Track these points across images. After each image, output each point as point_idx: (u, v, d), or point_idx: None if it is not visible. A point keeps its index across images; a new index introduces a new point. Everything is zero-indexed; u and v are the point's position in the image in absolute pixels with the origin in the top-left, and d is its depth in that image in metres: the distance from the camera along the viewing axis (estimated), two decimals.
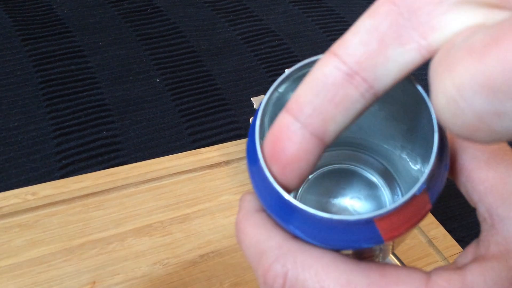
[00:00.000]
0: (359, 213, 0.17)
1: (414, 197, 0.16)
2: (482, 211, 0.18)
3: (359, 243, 0.17)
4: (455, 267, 0.17)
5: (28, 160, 0.51)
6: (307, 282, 0.17)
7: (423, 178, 0.16)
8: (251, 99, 0.51)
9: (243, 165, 0.50)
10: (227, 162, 0.50)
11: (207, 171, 0.49)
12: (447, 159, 0.17)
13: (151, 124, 0.57)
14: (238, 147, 0.52)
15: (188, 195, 0.46)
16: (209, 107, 0.60)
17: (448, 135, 0.18)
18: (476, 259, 0.17)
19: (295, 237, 0.17)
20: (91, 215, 0.44)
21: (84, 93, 0.60)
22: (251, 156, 0.17)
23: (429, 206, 0.17)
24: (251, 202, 0.19)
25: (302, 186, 0.23)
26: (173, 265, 0.41)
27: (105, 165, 0.51)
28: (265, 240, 0.18)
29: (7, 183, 0.48)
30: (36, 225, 0.42)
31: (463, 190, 0.19)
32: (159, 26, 0.73)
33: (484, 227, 0.18)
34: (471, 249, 0.18)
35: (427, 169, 0.16)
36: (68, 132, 0.55)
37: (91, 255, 0.41)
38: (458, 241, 0.46)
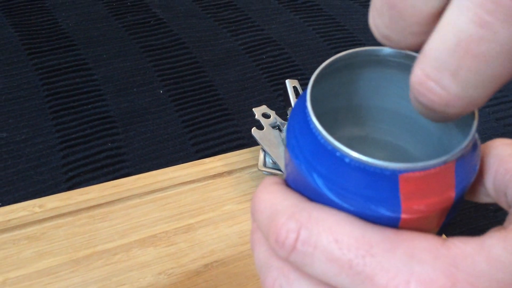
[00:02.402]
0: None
1: (442, 166, 0.15)
2: (510, 199, 0.18)
3: (376, 204, 0.16)
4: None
5: (35, 172, 0.52)
6: (321, 236, 0.17)
7: (452, 152, 0.16)
8: (253, 109, 0.52)
9: (246, 174, 0.51)
10: (230, 172, 0.51)
11: (210, 181, 0.50)
12: (477, 160, 0.17)
13: (155, 135, 0.58)
14: (240, 157, 0.52)
15: (192, 205, 0.47)
16: (211, 117, 0.61)
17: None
18: (499, 230, 0.17)
19: (311, 200, 0.18)
20: (97, 227, 0.44)
21: (89, 105, 0.61)
22: (296, 105, 0.18)
23: (452, 193, 0.16)
24: (270, 178, 0.20)
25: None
26: (178, 275, 0.42)
27: (110, 176, 0.52)
28: (280, 202, 0.18)
29: (15, 195, 0.50)
30: (44, 237, 0.43)
31: (490, 188, 0.19)
32: (162, 38, 0.74)
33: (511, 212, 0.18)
34: (494, 230, 0.18)
35: (459, 147, 0.16)
36: (74, 144, 0.56)
37: (97, 266, 0.41)
38: None
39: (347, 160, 0.16)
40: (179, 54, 0.71)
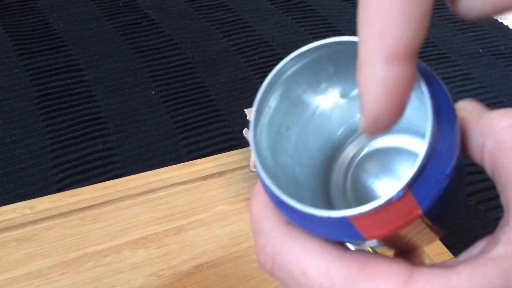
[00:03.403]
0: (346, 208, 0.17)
1: (390, 202, 0.15)
2: (502, 203, 0.17)
3: (341, 238, 0.17)
4: (444, 265, 0.16)
5: (26, 174, 0.52)
6: (291, 266, 0.17)
7: (401, 185, 0.15)
8: (244, 110, 0.52)
9: (237, 175, 0.51)
10: (221, 173, 0.51)
11: (201, 182, 0.50)
12: (448, 164, 0.16)
13: (147, 136, 0.58)
14: (232, 158, 0.52)
15: (183, 206, 0.47)
16: (203, 118, 0.61)
17: (464, 123, 0.17)
18: (473, 259, 0.16)
19: (289, 222, 0.18)
20: (88, 228, 0.44)
21: (81, 107, 0.61)
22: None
23: (418, 211, 0.16)
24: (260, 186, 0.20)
25: (354, 160, 0.23)
26: (169, 276, 0.41)
27: (102, 177, 0.52)
28: (262, 221, 0.19)
29: (4, 197, 0.49)
30: (34, 239, 0.43)
31: (478, 160, 0.18)
32: (154, 39, 0.74)
33: (501, 221, 0.17)
34: (481, 244, 0.17)
35: (408, 176, 0.15)
36: (64, 145, 0.56)
37: (88, 268, 0.41)
38: (449, 247, 0.46)
39: (298, 210, 0.16)
40: (171, 55, 0.71)
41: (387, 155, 0.22)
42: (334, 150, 0.22)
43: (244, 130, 0.49)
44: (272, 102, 0.19)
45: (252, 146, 0.18)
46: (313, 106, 0.21)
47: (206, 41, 0.75)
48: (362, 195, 0.22)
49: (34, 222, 0.44)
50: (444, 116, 0.16)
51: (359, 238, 0.17)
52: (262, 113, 0.19)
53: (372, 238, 0.17)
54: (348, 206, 0.22)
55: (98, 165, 0.54)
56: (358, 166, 0.23)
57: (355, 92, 0.20)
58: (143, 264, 0.42)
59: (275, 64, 0.18)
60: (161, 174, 0.50)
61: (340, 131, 0.22)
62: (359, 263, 0.16)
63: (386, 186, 0.22)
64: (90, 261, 0.42)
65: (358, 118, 0.21)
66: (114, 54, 0.70)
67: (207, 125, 0.60)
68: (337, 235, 0.17)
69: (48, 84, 0.64)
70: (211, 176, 0.50)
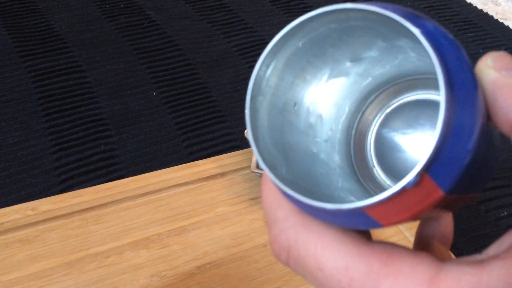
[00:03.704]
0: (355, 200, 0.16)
1: (404, 189, 0.14)
2: None
3: (358, 227, 0.16)
4: (473, 261, 0.15)
5: (28, 175, 0.52)
6: (308, 260, 0.16)
7: (415, 170, 0.14)
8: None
9: (239, 176, 0.51)
10: (222, 174, 0.51)
11: (203, 183, 0.50)
12: (469, 138, 0.14)
13: (148, 137, 0.58)
14: (233, 158, 0.53)
15: (185, 207, 0.47)
16: (205, 119, 0.61)
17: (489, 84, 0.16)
18: (505, 254, 0.15)
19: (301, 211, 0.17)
20: (90, 229, 0.45)
21: (82, 108, 0.61)
22: None
23: (439, 193, 0.15)
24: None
25: (379, 117, 0.21)
26: (170, 277, 0.42)
27: (103, 179, 0.52)
28: (275, 209, 0.17)
29: (7, 198, 0.50)
30: (36, 240, 0.43)
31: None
32: (155, 40, 0.74)
33: None
34: (510, 236, 0.16)
35: (423, 159, 0.14)
36: (67, 147, 0.56)
37: (90, 269, 0.42)
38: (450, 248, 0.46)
39: (308, 203, 0.15)
40: (172, 56, 0.71)
41: (412, 110, 0.20)
42: (352, 116, 0.21)
43: (245, 131, 0.50)
44: (272, 81, 0.18)
45: (250, 136, 0.17)
46: (322, 75, 0.19)
47: (207, 42, 0.75)
48: (390, 159, 0.20)
49: (37, 223, 0.44)
50: (460, 85, 0.15)
51: (376, 226, 0.15)
52: (260, 97, 0.17)
53: (391, 224, 0.15)
54: (373, 176, 0.21)
55: (100, 166, 0.54)
56: (381, 127, 0.21)
57: (365, 54, 0.19)
58: (145, 265, 0.42)
59: None
60: (162, 175, 0.50)
61: (355, 96, 0.20)
62: (380, 258, 0.15)
63: (417, 142, 0.20)
64: (93, 262, 0.42)
65: (372, 80, 0.20)
66: (115, 55, 0.70)
67: (209, 126, 0.60)
68: (352, 225, 0.16)
69: (50, 86, 0.64)
70: (213, 177, 0.51)
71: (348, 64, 0.19)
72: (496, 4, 0.93)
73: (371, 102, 0.21)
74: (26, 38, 0.72)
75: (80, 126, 0.58)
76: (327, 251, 0.16)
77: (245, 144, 0.57)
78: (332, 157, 0.20)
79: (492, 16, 0.88)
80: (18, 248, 0.42)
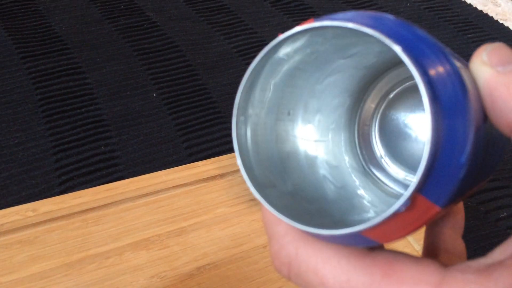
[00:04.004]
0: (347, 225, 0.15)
1: (397, 213, 0.14)
2: None
3: (355, 245, 0.16)
4: (478, 268, 0.14)
5: (28, 176, 0.52)
6: (309, 275, 0.16)
7: (406, 194, 0.13)
8: None
9: (239, 177, 0.51)
10: (222, 175, 0.51)
11: (203, 184, 0.50)
12: (462, 151, 0.14)
13: (149, 139, 0.58)
14: (233, 160, 0.53)
15: (185, 208, 0.48)
16: (205, 120, 0.61)
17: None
18: (511, 261, 0.14)
19: None
20: (90, 230, 0.45)
21: (83, 109, 0.61)
22: None
23: (435, 209, 0.14)
24: None
25: (381, 105, 0.20)
26: (170, 278, 0.42)
27: (104, 180, 0.52)
28: (275, 224, 0.17)
29: (7, 199, 0.50)
30: (37, 241, 0.43)
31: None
32: (155, 41, 0.75)
33: None
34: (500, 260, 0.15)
35: (414, 183, 0.13)
36: (67, 148, 0.56)
37: (90, 270, 0.42)
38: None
39: (302, 229, 0.15)
40: (172, 57, 0.72)
41: (415, 94, 0.19)
42: (353, 108, 0.20)
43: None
44: (260, 96, 0.17)
45: (240, 163, 0.16)
46: (316, 77, 0.19)
47: (207, 43, 0.75)
48: (397, 147, 0.20)
49: (37, 224, 0.45)
50: (447, 98, 0.14)
51: (375, 244, 0.15)
52: (250, 113, 0.17)
53: (390, 241, 0.15)
54: (382, 166, 0.20)
55: (100, 168, 0.54)
56: (385, 115, 0.20)
57: (353, 50, 0.18)
58: (145, 266, 0.42)
59: None
60: (162, 176, 0.50)
61: (354, 87, 0.20)
62: (382, 269, 0.15)
63: (422, 126, 0.19)
64: (93, 263, 0.42)
65: (368, 70, 0.19)
66: (115, 56, 0.71)
67: (209, 127, 0.60)
68: (350, 244, 0.16)
69: (50, 87, 0.64)
70: (212, 178, 0.51)
71: (341, 61, 0.19)
72: (496, 5, 0.93)
73: (372, 90, 0.20)
74: (26, 39, 0.72)
75: (80, 127, 0.59)
76: (328, 265, 0.16)
77: None
78: (336, 154, 0.20)
79: (492, 17, 0.88)
80: (18, 249, 0.43)
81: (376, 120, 0.20)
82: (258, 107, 0.17)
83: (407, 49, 0.14)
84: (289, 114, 0.18)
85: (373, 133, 0.21)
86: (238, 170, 0.52)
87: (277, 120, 0.18)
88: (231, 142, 0.59)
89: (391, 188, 0.20)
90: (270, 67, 0.17)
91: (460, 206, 0.21)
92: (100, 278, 0.41)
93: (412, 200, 0.14)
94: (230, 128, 0.60)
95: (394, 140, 0.20)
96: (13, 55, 0.69)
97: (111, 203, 0.47)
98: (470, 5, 0.92)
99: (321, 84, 0.19)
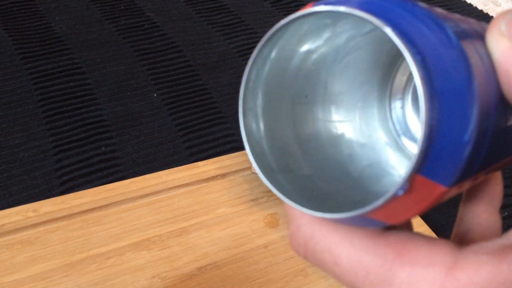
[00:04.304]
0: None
1: (395, 196, 0.13)
2: None
3: (365, 226, 0.15)
4: (494, 248, 0.14)
5: (29, 177, 0.52)
6: (324, 255, 0.16)
7: (402, 179, 0.13)
8: None
9: (239, 177, 0.51)
10: (223, 175, 0.51)
11: (203, 184, 0.50)
12: (465, 128, 0.13)
13: (149, 139, 0.58)
14: (234, 160, 0.53)
15: (185, 208, 0.47)
16: (205, 121, 0.61)
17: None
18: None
19: None
20: (91, 231, 0.45)
21: (83, 110, 0.61)
22: None
23: (441, 189, 0.14)
24: None
25: (408, 91, 0.20)
26: (171, 278, 0.42)
27: (104, 180, 0.52)
28: (292, 207, 0.17)
29: (8, 200, 0.50)
30: (37, 242, 0.43)
31: None
32: (155, 42, 0.75)
33: None
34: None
35: (407, 170, 0.13)
36: (67, 148, 0.56)
37: (91, 270, 0.42)
38: None
39: (309, 214, 0.15)
40: (172, 57, 0.72)
41: None
42: (383, 82, 0.20)
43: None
44: (271, 83, 0.17)
45: (248, 149, 0.16)
46: (333, 56, 0.18)
47: (208, 44, 0.75)
48: None
49: (38, 224, 0.44)
50: (442, 71, 0.13)
51: (384, 225, 0.15)
52: (259, 105, 0.16)
53: (400, 222, 0.15)
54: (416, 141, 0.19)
55: (101, 168, 0.54)
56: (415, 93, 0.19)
57: (368, 27, 0.17)
58: (146, 266, 0.42)
59: None
60: (163, 176, 0.50)
61: (379, 64, 0.19)
62: (394, 249, 0.15)
63: None
64: (93, 264, 0.42)
65: (391, 43, 0.18)
66: (116, 57, 0.71)
67: (209, 128, 0.60)
68: (361, 225, 0.15)
69: (50, 88, 0.64)
70: (213, 178, 0.51)
71: (358, 38, 0.18)
72: (497, 5, 0.93)
73: (402, 62, 0.19)
74: (26, 40, 0.72)
75: (80, 128, 0.59)
76: (341, 246, 0.16)
77: None
78: (364, 132, 0.19)
79: (492, 17, 0.88)
80: (19, 250, 0.42)
81: (409, 93, 0.20)
82: (269, 93, 0.17)
83: (399, 29, 0.13)
84: (306, 97, 0.18)
85: (406, 106, 0.20)
86: (238, 170, 0.52)
87: (294, 104, 0.18)
88: (231, 142, 0.59)
89: None
90: (278, 51, 0.16)
91: (497, 177, 0.20)
92: (100, 279, 0.41)
93: (411, 182, 0.13)
94: (230, 128, 0.60)
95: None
96: (13, 55, 0.69)
97: (111, 204, 0.47)
98: (470, 5, 0.92)
99: (340, 64, 0.18)
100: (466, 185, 0.15)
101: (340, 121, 0.19)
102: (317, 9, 0.14)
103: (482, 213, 0.19)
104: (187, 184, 0.50)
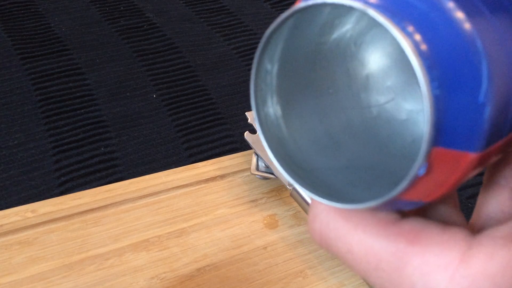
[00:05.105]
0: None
1: (417, 177, 0.13)
2: None
3: (401, 208, 0.15)
4: (510, 231, 0.14)
5: (28, 177, 0.52)
6: (338, 243, 0.16)
7: (418, 160, 0.12)
8: (246, 113, 0.52)
9: (239, 178, 0.51)
10: (222, 176, 0.51)
11: (203, 185, 0.50)
12: (477, 88, 0.12)
13: (148, 140, 0.58)
14: (233, 161, 0.53)
15: (185, 209, 0.47)
16: (204, 122, 0.61)
17: None
18: None
19: None
20: (90, 231, 0.44)
21: (82, 110, 0.61)
22: None
23: (470, 156, 0.13)
24: None
25: None
26: (170, 279, 0.42)
27: (103, 181, 0.52)
28: None
29: (7, 200, 0.49)
30: (36, 242, 0.43)
31: None
32: (155, 42, 0.74)
33: None
34: None
35: (421, 150, 0.12)
36: (66, 149, 0.56)
37: (89, 271, 0.41)
38: None
39: (337, 206, 0.15)
40: (172, 58, 0.72)
41: None
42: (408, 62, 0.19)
43: (245, 133, 0.50)
44: (289, 77, 0.16)
45: (265, 144, 0.15)
46: (344, 43, 0.17)
47: (207, 45, 0.75)
48: None
49: (36, 225, 0.44)
50: (435, 34, 0.12)
51: (421, 204, 0.14)
52: (275, 102, 0.16)
53: (436, 199, 0.14)
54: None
55: (100, 169, 0.54)
56: None
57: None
58: (145, 267, 0.42)
59: None
60: (162, 177, 0.50)
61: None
62: (407, 237, 0.15)
63: None
64: (92, 264, 0.42)
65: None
66: (115, 57, 0.71)
67: (208, 129, 0.60)
68: (395, 208, 0.15)
69: (50, 88, 0.64)
70: (212, 179, 0.51)
71: (368, 20, 0.17)
72: None
73: None
74: (26, 40, 0.72)
75: (80, 128, 0.58)
76: (354, 233, 0.16)
77: (245, 146, 0.57)
78: (401, 108, 0.18)
79: None
80: (18, 250, 0.42)
81: None
82: (288, 88, 0.16)
83: (388, 11, 0.12)
84: (329, 89, 0.17)
85: None
86: (238, 171, 0.52)
87: (318, 98, 0.17)
88: (231, 143, 0.58)
89: None
90: (292, 36, 0.16)
91: None
92: (99, 279, 0.41)
93: (432, 157, 0.12)
94: (229, 129, 0.60)
95: None
96: (13, 56, 0.69)
97: (110, 204, 0.47)
98: None
99: (358, 47, 0.18)
100: (504, 147, 0.14)
101: (374, 105, 0.18)
102: (309, 3, 0.14)
103: (506, 200, 0.18)
104: (186, 185, 0.50)
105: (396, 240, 0.15)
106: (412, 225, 0.15)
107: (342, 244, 0.16)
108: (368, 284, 0.42)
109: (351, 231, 0.16)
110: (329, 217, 0.17)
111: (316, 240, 0.17)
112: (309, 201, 0.45)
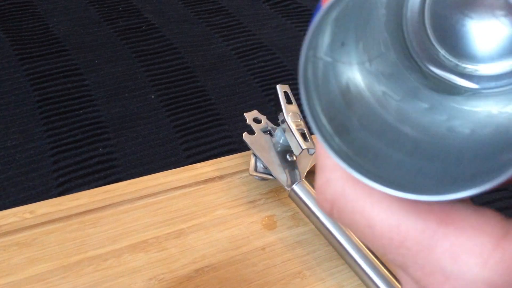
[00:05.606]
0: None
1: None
2: None
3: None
4: None
5: (26, 178, 0.52)
6: (354, 216, 0.15)
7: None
8: (244, 114, 0.52)
9: (237, 179, 0.51)
10: (221, 177, 0.51)
11: (201, 186, 0.50)
12: None
13: (147, 140, 0.58)
14: (232, 161, 0.53)
15: (183, 210, 0.47)
16: (203, 122, 0.61)
17: None
18: None
19: None
20: (88, 232, 0.44)
21: (81, 111, 0.61)
22: None
23: None
24: None
25: None
26: (169, 280, 0.42)
27: (102, 181, 0.52)
28: (324, 156, 0.16)
29: (5, 201, 0.49)
30: (34, 243, 0.43)
31: None
32: (154, 43, 0.74)
33: None
34: None
35: None
36: (65, 149, 0.56)
37: (87, 272, 0.41)
38: None
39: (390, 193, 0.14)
40: (170, 59, 0.71)
41: None
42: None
43: (244, 134, 0.50)
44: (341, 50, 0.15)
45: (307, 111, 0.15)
46: (381, 12, 0.17)
47: (206, 45, 0.75)
48: (453, 37, 0.18)
49: (34, 226, 0.44)
50: None
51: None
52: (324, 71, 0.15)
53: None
54: (442, 63, 0.18)
55: (98, 169, 0.54)
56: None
57: None
58: (143, 268, 0.42)
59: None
60: (161, 178, 0.50)
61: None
62: (439, 216, 0.14)
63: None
64: (90, 265, 0.42)
65: None
66: (114, 58, 0.71)
67: (207, 129, 0.60)
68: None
69: (48, 89, 0.64)
70: (211, 180, 0.50)
71: None
72: None
73: None
74: (24, 41, 0.72)
75: (78, 129, 0.58)
76: (377, 208, 0.15)
77: (243, 147, 0.57)
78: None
79: None
80: (16, 251, 0.42)
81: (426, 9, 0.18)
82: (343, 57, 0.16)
83: None
84: (370, 63, 0.17)
85: (427, 27, 0.18)
86: (236, 172, 0.51)
87: (345, 93, 0.16)
88: (229, 144, 0.58)
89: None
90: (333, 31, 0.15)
91: None
92: (97, 281, 0.41)
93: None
94: (228, 130, 0.60)
95: (450, 31, 0.18)
96: (11, 56, 0.69)
97: (109, 205, 0.47)
98: None
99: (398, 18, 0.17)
100: None
101: (380, 75, 0.17)
102: None
103: None
104: (185, 186, 0.50)
105: (426, 218, 0.14)
106: (443, 204, 0.14)
107: (362, 217, 0.15)
108: (379, 259, 0.40)
109: (374, 205, 0.15)
110: (346, 186, 0.15)
111: (325, 207, 0.16)
112: (308, 202, 0.45)
